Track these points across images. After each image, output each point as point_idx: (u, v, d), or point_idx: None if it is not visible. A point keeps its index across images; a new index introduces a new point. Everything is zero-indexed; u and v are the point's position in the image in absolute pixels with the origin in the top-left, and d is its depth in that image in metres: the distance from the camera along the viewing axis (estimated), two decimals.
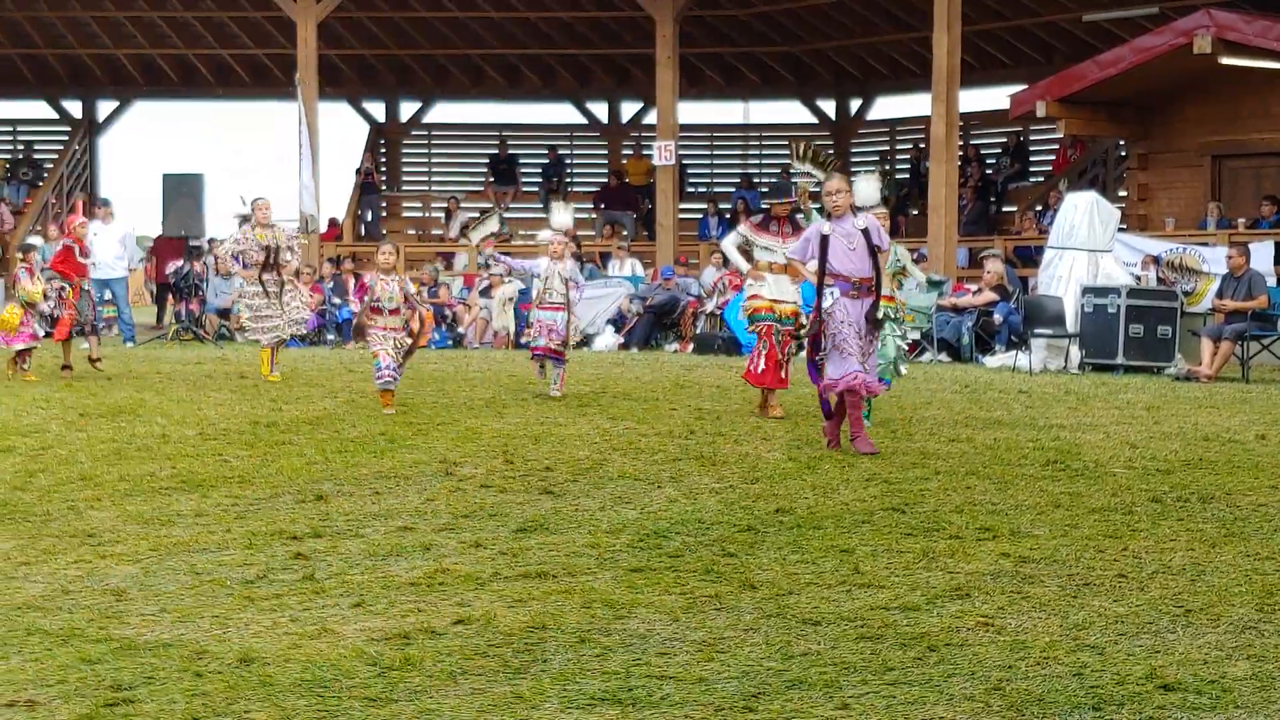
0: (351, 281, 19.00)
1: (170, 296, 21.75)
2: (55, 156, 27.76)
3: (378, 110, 28.17)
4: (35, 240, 19.81)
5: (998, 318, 16.94)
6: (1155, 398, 12.14)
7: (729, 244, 10.88)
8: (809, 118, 27.37)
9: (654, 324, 19.40)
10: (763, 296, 10.44)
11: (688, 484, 7.38)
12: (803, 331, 9.69)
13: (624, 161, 26.86)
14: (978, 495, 7.06)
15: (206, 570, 5.36)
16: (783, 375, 10.48)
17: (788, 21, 25.69)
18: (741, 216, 22.71)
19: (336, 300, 19.82)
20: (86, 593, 5.01)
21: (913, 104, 26.56)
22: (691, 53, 25.41)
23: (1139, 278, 16.31)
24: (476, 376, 14.07)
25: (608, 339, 19.12)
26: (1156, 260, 16.64)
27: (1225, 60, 17.00)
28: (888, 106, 27.56)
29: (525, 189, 27.08)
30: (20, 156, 27.70)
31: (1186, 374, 14.22)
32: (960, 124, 20.49)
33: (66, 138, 28.08)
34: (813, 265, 8.71)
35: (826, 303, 8.55)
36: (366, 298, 10.77)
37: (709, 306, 18.95)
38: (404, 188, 28.13)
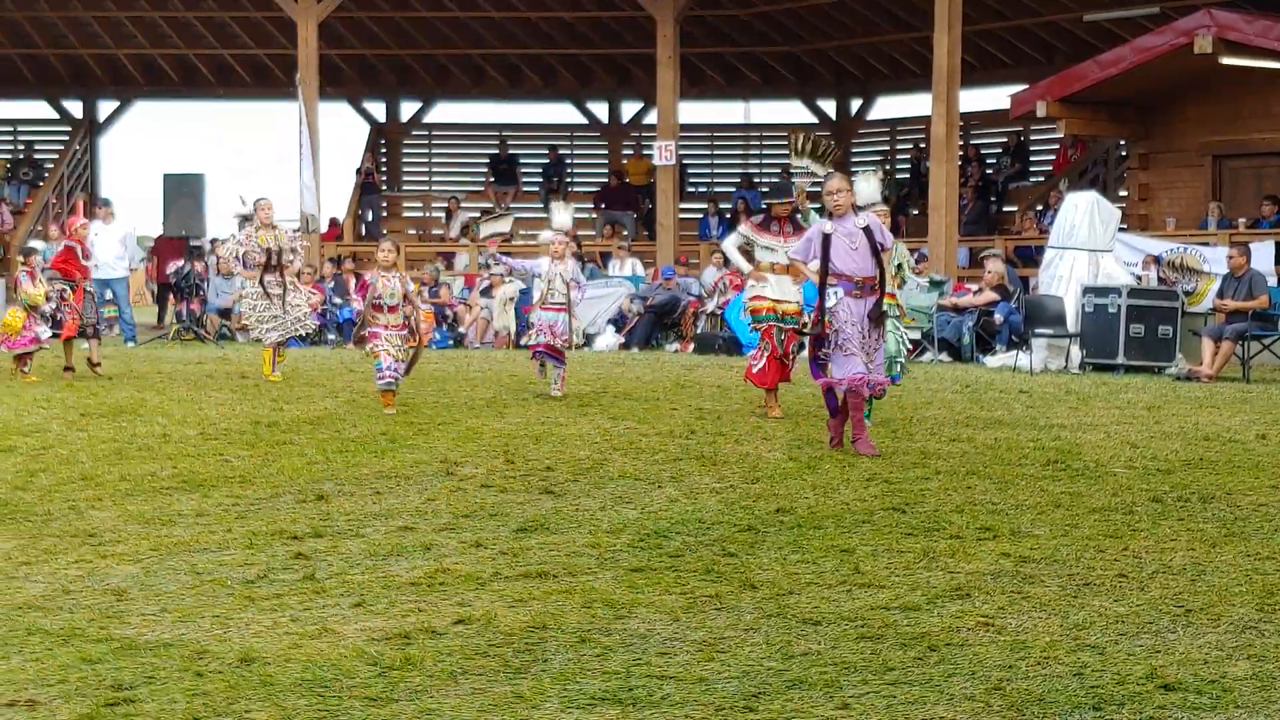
0: (352, 281, 19.00)
1: (171, 296, 21.77)
2: (56, 156, 27.76)
3: (378, 110, 28.18)
4: (37, 243, 19.81)
5: (998, 317, 16.95)
6: (1156, 397, 12.14)
7: (730, 245, 10.84)
8: (810, 118, 27.36)
9: (655, 324, 19.40)
10: (765, 297, 10.41)
11: (688, 484, 7.38)
12: (806, 330, 9.67)
13: (624, 161, 26.86)
14: (978, 495, 7.06)
15: (207, 570, 5.36)
16: (787, 369, 10.43)
17: (788, 21, 25.69)
18: (742, 216, 22.71)
19: (338, 300, 19.82)
20: (87, 592, 5.01)
21: (913, 104, 26.60)
22: (692, 52, 25.41)
23: (1140, 278, 16.31)
24: (477, 376, 14.07)
25: (608, 339, 19.13)
26: (1157, 260, 16.64)
27: (1226, 60, 17.00)
28: (888, 106, 27.62)
29: (526, 189, 27.08)
30: (21, 156, 27.71)
31: (1187, 374, 14.22)
32: (961, 124, 20.50)
33: (67, 138, 28.09)
34: (815, 265, 8.70)
35: (830, 302, 8.52)
36: (369, 295, 10.77)
37: (710, 306, 18.95)
38: (404, 188, 28.14)
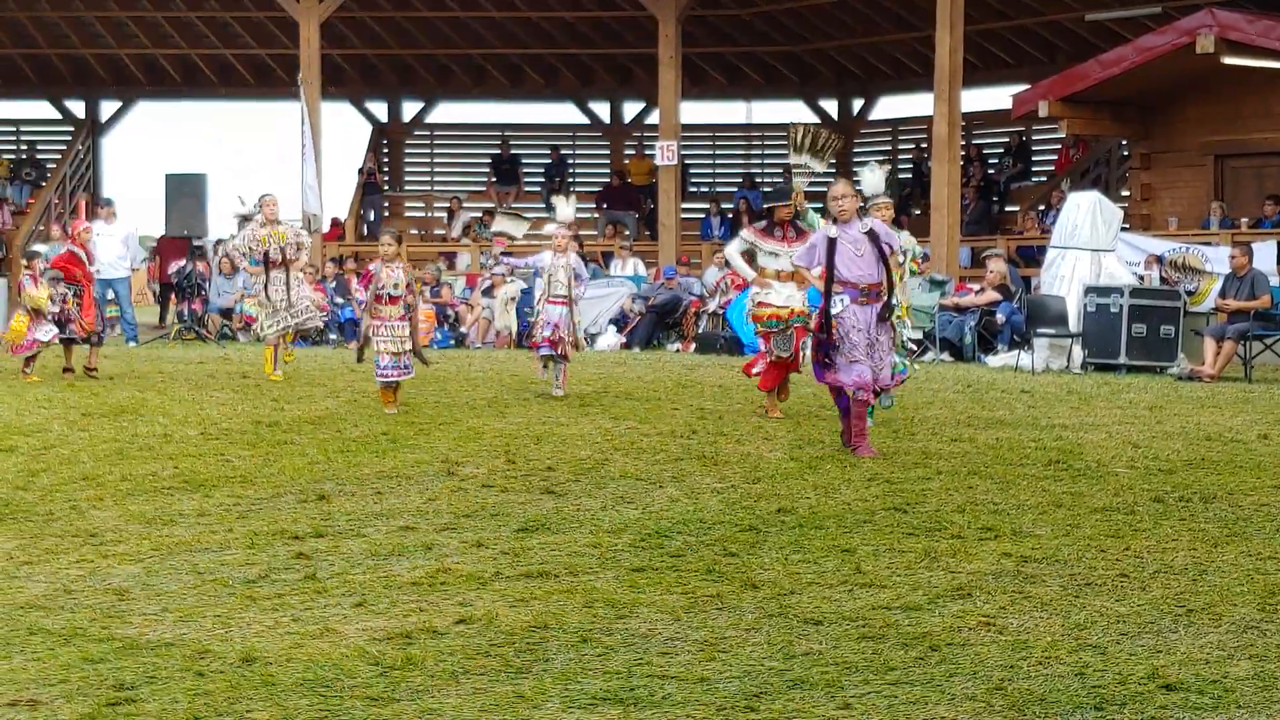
0: (354, 281, 19.00)
1: (173, 296, 21.77)
2: (58, 156, 27.76)
3: (380, 110, 28.17)
4: (40, 246, 19.83)
5: (1000, 317, 16.94)
6: (1158, 397, 12.14)
7: (733, 251, 10.77)
8: (811, 117, 27.30)
9: (656, 324, 19.40)
10: (770, 304, 10.36)
11: (689, 484, 7.38)
12: (811, 328, 9.61)
13: (626, 161, 26.85)
14: (980, 495, 7.06)
15: (209, 570, 5.36)
16: (795, 363, 10.36)
17: (790, 21, 25.68)
18: (744, 217, 22.72)
19: (339, 300, 19.82)
20: (89, 592, 5.01)
21: (915, 104, 26.56)
22: (694, 52, 25.40)
23: (1142, 277, 16.30)
24: (479, 376, 14.07)
25: (610, 338, 19.13)
26: (1159, 260, 16.64)
27: (1228, 60, 16.99)
28: (890, 106, 27.56)
29: (527, 189, 27.07)
30: (23, 157, 27.71)
31: (1189, 374, 14.21)
32: (963, 124, 20.48)
33: (69, 138, 28.08)
34: (818, 271, 8.66)
35: (835, 309, 8.47)
36: (371, 286, 10.77)
37: (711, 306, 18.95)
38: (406, 187, 28.13)
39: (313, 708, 3.78)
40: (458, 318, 19.97)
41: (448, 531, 6.10)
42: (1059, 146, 23.55)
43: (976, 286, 17.73)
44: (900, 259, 9.90)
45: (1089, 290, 15.33)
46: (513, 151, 27.29)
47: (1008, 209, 23.38)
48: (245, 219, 14.16)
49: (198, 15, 26.28)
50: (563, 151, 27.48)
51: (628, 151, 27.31)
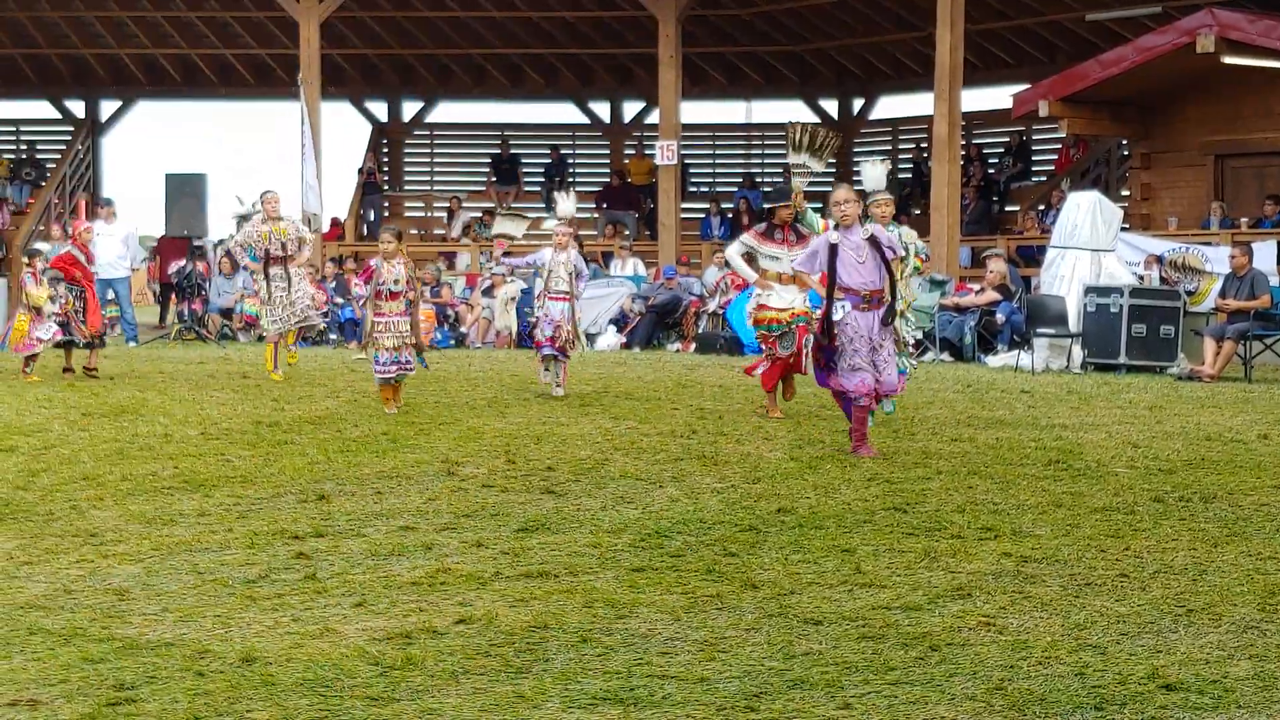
0: (354, 280, 19.01)
1: (173, 296, 21.78)
2: (58, 156, 27.76)
3: (380, 110, 28.18)
4: (42, 245, 19.83)
5: (1000, 317, 16.94)
6: (1158, 397, 12.14)
7: (734, 254, 10.73)
8: (811, 117, 27.31)
9: (656, 323, 19.40)
10: (770, 307, 10.34)
11: (689, 484, 7.38)
12: (815, 329, 9.56)
13: (626, 161, 26.85)
14: (980, 495, 7.06)
15: (209, 570, 5.36)
16: (798, 363, 10.32)
17: (790, 21, 25.69)
18: (744, 217, 22.73)
19: (339, 300, 19.83)
20: (89, 592, 5.02)
21: (915, 103, 26.58)
22: (694, 52, 25.40)
23: (1142, 277, 16.30)
24: (479, 376, 14.08)
25: (610, 338, 19.13)
26: (1159, 260, 16.64)
27: (1228, 60, 16.99)
28: (890, 106, 27.58)
29: (527, 189, 27.08)
30: (23, 156, 27.72)
31: (1189, 374, 14.22)
32: (963, 123, 20.49)
33: (69, 138, 28.09)
34: (819, 275, 8.64)
35: (836, 315, 8.46)
36: (372, 281, 10.76)
37: (711, 306, 18.95)
38: (406, 187, 28.13)
39: (313, 708, 3.79)
40: (458, 318, 19.97)
41: (448, 531, 6.10)
42: (1059, 146, 23.56)
43: (976, 286, 17.74)
44: (905, 261, 9.88)
45: (1089, 290, 15.33)
46: (512, 151, 27.29)
47: (1008, 209, 23.38)
48: (243, 219, 14.16)
49: (198, 15, 26.28)
50: (563, 151, 27.48)
51: (628, 151, 27.32)
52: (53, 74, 27.88)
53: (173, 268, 21.27)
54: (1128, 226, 18.90)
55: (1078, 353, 15.38)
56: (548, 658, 4.24)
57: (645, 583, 5.17)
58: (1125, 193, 21.37)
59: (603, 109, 27.91)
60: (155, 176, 43.16)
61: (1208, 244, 17.14)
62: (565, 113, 28.16)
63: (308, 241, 14.30)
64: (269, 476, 7.51)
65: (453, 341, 19.30)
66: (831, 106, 27.29)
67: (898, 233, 11.09)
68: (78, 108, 28.35)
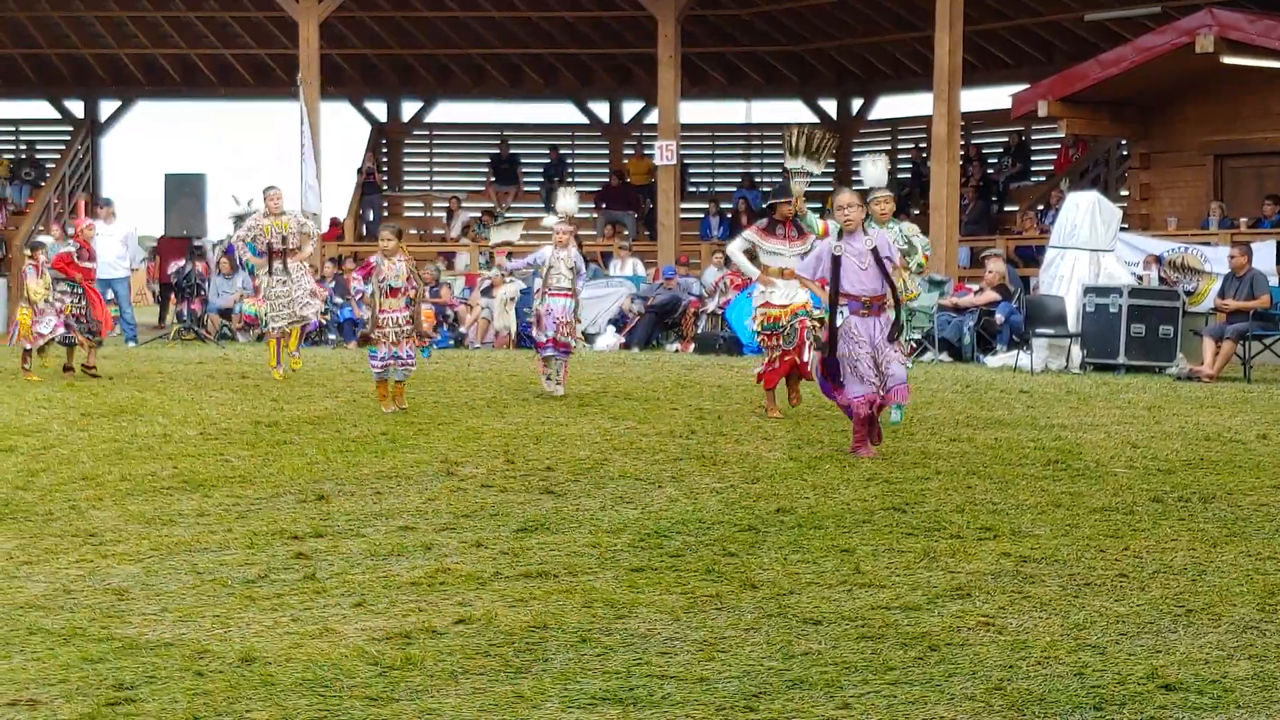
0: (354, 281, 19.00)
1: (172, 296, 21.79)
2: (57, 156, 27.76)
3: (379, 110, 28.18)
4: (45, 238, 19.82)
5: (999, 317, 16.95)
6: (1157, 397, 12.14)
7: (735, 249, 10.72)
8: (811, 117, 27.35)
9: (655, 324, 19.40)
10: (773, 304, 10.33)
11: (689, 484, 7.39)
12: (820, 324, 9.52)
13: (625, 161, 26.86)
14: (979, 495, 7.06)
15: (208, 570, 5.36)
16: (803, 364, 10.28)
17: (790, 21, 25.69)
18: (743, 217, 22.72)
19: (338, 300, 19.83)
20: (88, 592, 5.02)
21: (914, 103, 26.59)
22: (693, 52, 25.40)
23: (1141, 277, 16.30)
24: (478, 376, 14.08)
25: (609, 339, 19.13)
26: (1158, 260, 16.64)
27: (1228, 60, 17.00)
28: (890, 106, 27.59)
29: (526, 189, 27.08)
30: (23, 156, 27.71)
31: (1188, 374, 14.22)
32: (962, 123, 20.50)
33: (69, 138, 28.08)
34: (819, 280, 8.65)
35: (838, 322, 8.48)
36: (373, 277, 10.75)
37: (710, 306, 18.96)
38: (405, 187, 28.14)
39: (312, 708, 3.79)
40: (457, 318, 19.98)
41: (447, 531, 6.11)
42: (1058, 146, 23.56)
43: (975, 286, 17.74)
44: (910, 257, 9.87)
45: (1088, 290, 15.34)
46: (512, 151, 27.29)
47: (1007, 209, 23.39)
48: (240, 219, 14.16)
49: (197, 15, 26.28)
50: (562, 151, 27.48)
51: (627, 151, 27.32)
52: (52, 74, 27.88)
53: (172, 268, 21.28)
54: (1127, 226, 18.91)
55: (1077, 353, 15.39)
56: (547, 658, 4.24)
57: (644, 583, 5.17)
58: (1124, 193, 21.37)
59: (602, 109, 27.92)
60: (154, 176, 43.26)
61: (1207, 244, 17.14)
62: (564, 113, 28.20)
63: (312, 236, 14.31)
64: (268, 477, 7.51)
65: (452, 342, 19.31)
66: (831, 106, 27.30)
67: (899, 228, 11.10)
68: (77, 108, 28.35)
